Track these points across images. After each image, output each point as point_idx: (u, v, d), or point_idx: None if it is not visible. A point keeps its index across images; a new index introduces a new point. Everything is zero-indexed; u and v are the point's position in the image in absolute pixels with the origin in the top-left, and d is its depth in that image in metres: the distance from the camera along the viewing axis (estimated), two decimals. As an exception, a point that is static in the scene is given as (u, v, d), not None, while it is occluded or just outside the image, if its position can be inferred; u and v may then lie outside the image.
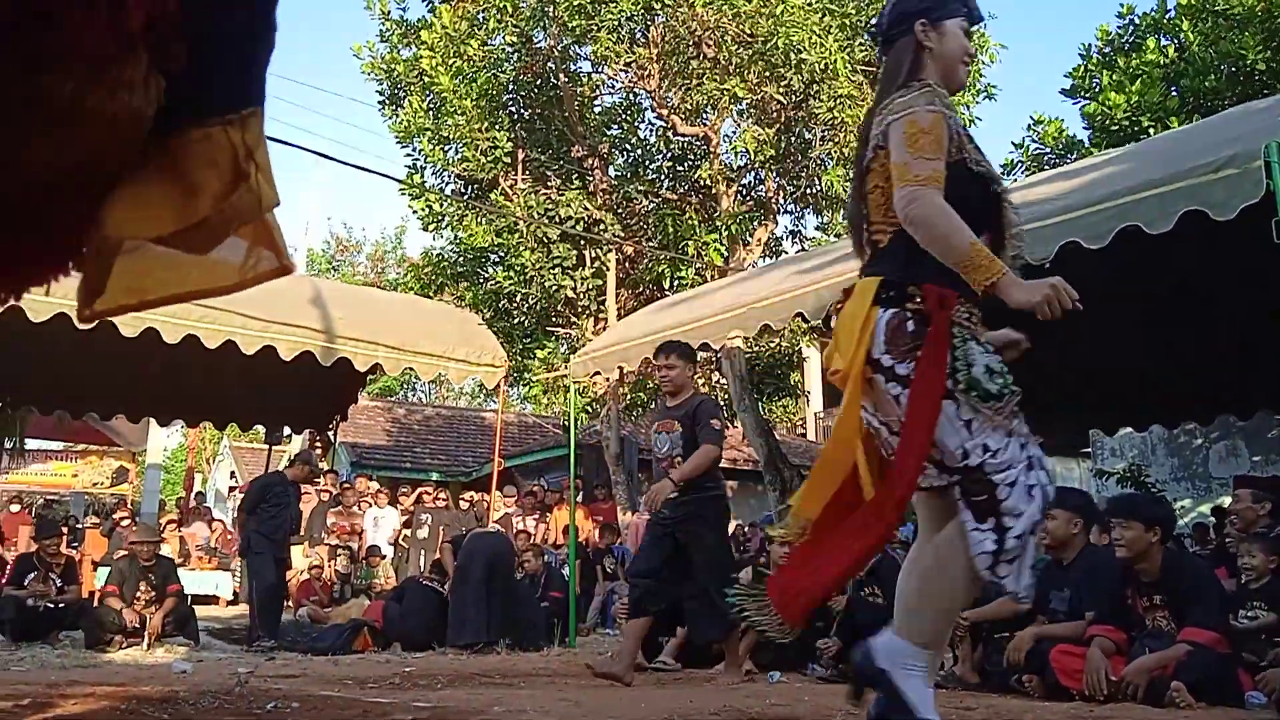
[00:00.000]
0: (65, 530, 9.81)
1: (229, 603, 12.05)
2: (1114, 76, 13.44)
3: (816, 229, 14.82)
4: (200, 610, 9.13)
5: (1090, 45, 14.68)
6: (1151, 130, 12.07)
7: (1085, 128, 14.02)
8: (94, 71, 0.60)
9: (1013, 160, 14.75)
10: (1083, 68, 14.52)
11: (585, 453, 14.58)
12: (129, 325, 7.57)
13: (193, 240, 0.75)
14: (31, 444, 20.42)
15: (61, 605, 7.77)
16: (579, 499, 10.66)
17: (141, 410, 11.91)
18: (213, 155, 0.71)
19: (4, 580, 8.41)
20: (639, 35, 13.50)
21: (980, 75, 13.50)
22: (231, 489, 25.10)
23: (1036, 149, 14.52)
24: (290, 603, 9.80)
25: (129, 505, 15.98)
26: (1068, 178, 5.74)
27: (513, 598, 7.85)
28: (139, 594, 7.56)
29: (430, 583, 8.17)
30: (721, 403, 14.75)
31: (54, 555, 8.06)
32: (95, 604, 7.81)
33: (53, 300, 7.40)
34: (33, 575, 7.82)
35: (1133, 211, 4.51)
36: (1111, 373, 8.51)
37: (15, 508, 14.52)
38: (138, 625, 7.38)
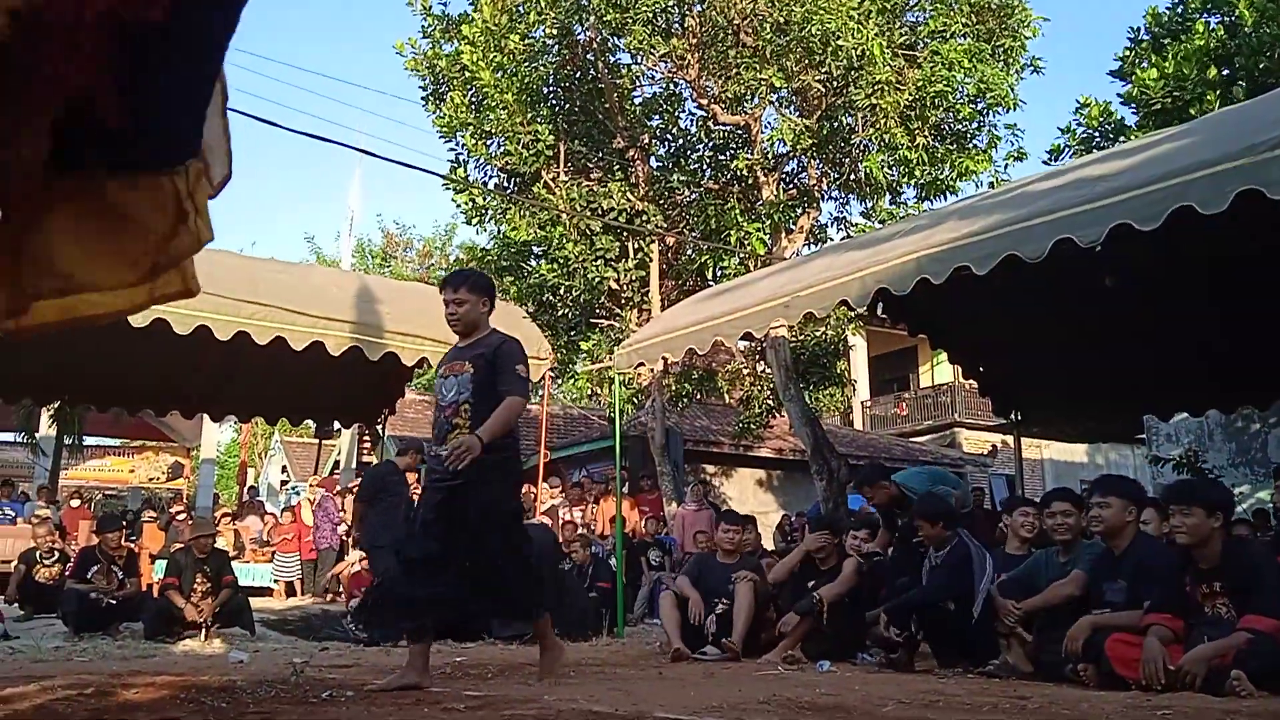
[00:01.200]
0: (126, 524, 10.04)
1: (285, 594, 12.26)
2: (1158, 59, 13.17)
3: (861, 215, 14.67)
4: (255, 602, 9.30)
5: (1140, 28, 14.38)
6: (1194, 111, 11.80)
7: (1131, 110, 13.76)
8: None
9: (1060, 145, 14.50)
10: (1131, 51, 14.23)
11: (631, 444, 14.63)
12: (181, 323, 7.72)
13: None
14: (90, 440, 20.97)
15: (123, 597, 7.95)
16: (625, 490, 10.70)
17: (195, 406, 12.14)
18: (160, 200, 0.78)
19: (68, 574, 8.63)
20: (675, 26, 13.46)
21: (1024, 49, 13.25)
22: (283, 483, 25.52)
23: (1084, 133, 14.26)
24: (343, 594, 9.95)
25: (185, 499, 16.29)
26: (1118, 158, 5.63)
27: (560, 589, 7.91)
28: (195, 586, 7.72)
29: None
30: (767, 392, 14.72)
31: (115, 548, 8.25)
32: (154, 596, 7.99)
33: (108, 300, 7.56)
34: (95, 568, 8.01)
35: (1186, 192, 4.42)
36: (1166, 357, 8.34)
37: (76, 503, 14.88)
38: (195, 617, 7.54)
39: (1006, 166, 13.67)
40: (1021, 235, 5.24)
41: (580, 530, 10.76)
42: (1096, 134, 14.03)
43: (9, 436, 20.32)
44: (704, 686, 4.42)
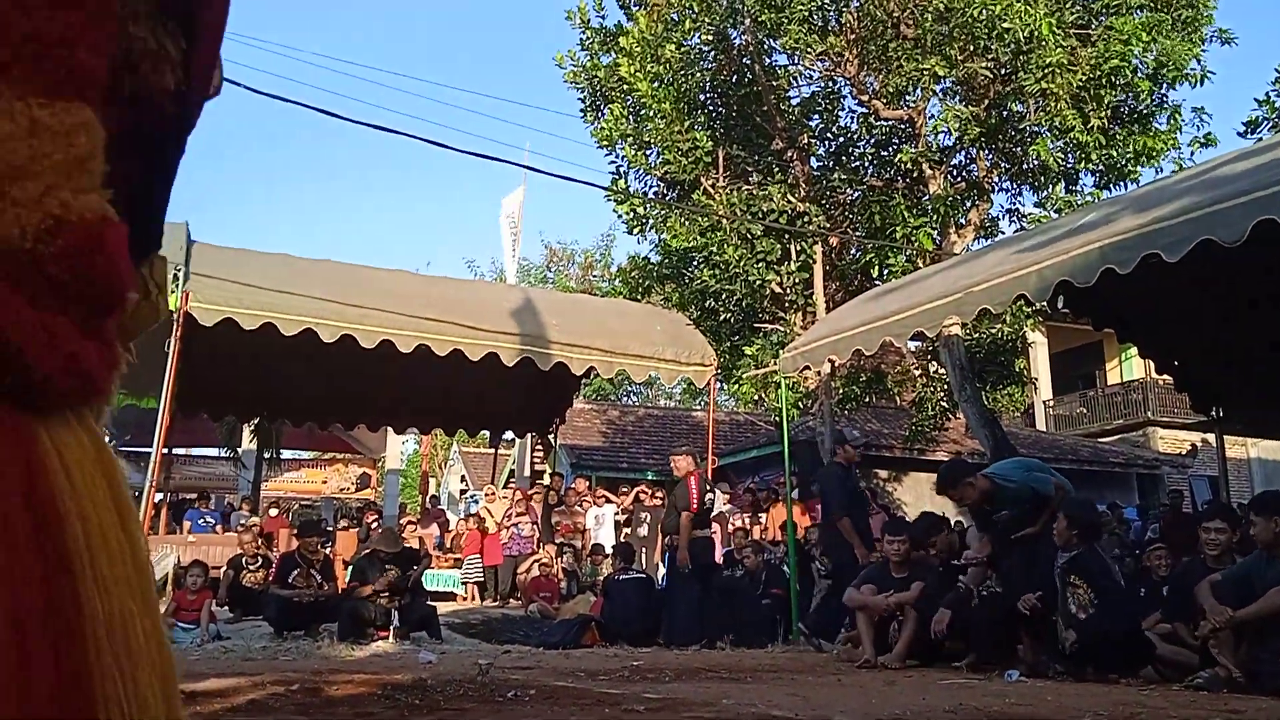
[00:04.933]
0: (330, 530, 10.63)
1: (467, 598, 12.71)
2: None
3: (1035, 206, 14.01)
4: (440, 606, 9.68)
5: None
6: None
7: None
8: None
9: (1256, 118, 13.44)
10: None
11: (799, 449, 14.44)
12: (367, 338, 8.14)
13: None
14: (286, 454, 22.44)
15: (322, 599, 8.43)
16: (794, 496, 10.57)
17: (380, 419, 12.79)
18: (162, 274, 0.90)
19: (271, 578, 9.22)
20: (832, 23, 13.24)
21: (1210, 20, 12.35)
22: (463, 491, 26.44)
23: (1286, 103, 13.18)
24: (522, 599, 10.24)
25: (376, 508, 17.15)
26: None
27: (731, 596, 7.90)
28: (383, 591, 8.10)
29: (626, 575, 8.36)
30: (941, 393, 14.25)
31: (314, 553, 8.76)
32: (348, 599, 8.43)
33: (300, 317, 8.09)
34: (295, 572, 8.52)
35: None
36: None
37: (274, 512, 15.90)
38: (385, 619, 7.92)
39: (1193, 153, 12.79)
40: (1216, 218, 4.88)
41: (750, 538, 10.69)
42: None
43: (215, 451, 21.98)
44: (886, 694, 4.31)
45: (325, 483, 22.57)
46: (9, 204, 0.62)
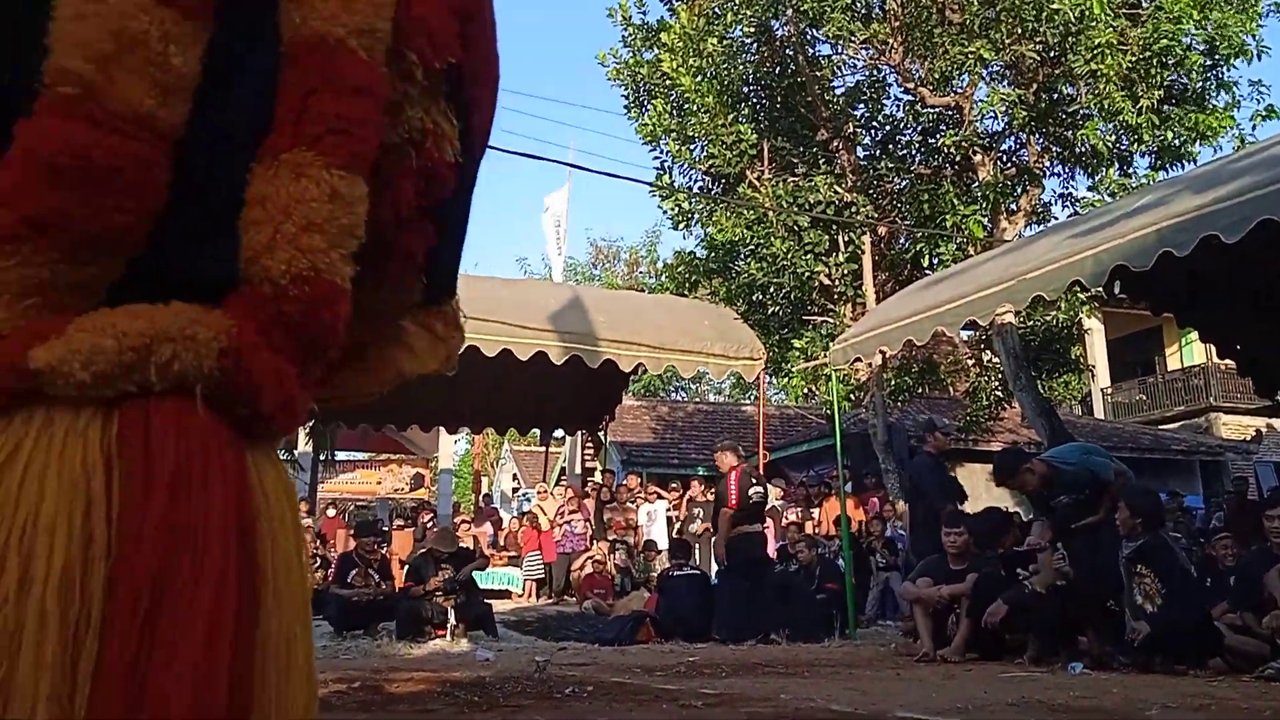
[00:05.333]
0: (385, 530, 10.77)
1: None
2: None
3: (1087, 189, 13.74)
4: (495, 604, 9.76)
5: None
6: None
7: None
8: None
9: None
10: None
11: (851, 442, 14.32)
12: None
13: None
14: (341, 455, 22.76)
15: (380, 599, 8.54)
16: (848, 489, 10.48)
17: (432, 420, 12.91)
18: (454, 317, 1.09)
19: (329, 578, 9.37)
20: (875, 10, 13.10)
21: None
22: (515, 490, 26.64)
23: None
24: (576, 596, 10.29)
25: (430, 507, 17.34)
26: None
27: (785, 591, 7.86)
28: (438, 589, 8.18)
29: (681, 571, 8.35)
30: (995, 382, 14.05)
31: (371, 553, 8.87)
32: (405, 598, 8.53)
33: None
34: (354, 571, 8.64)
35: None
36: None
37: (331, 513, 16.14)
38: (442, 618, 8.00)
39: (1254, 126, 12.45)
40: (1276, 197, 4.75)
41: (804, 532, 10.64)
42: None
43: (273, 454, 22.32)
44: (946, 688, 4.26)
45: (380, 483, 22.84)
46: (293, 249, 0.73)
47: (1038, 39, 11.85)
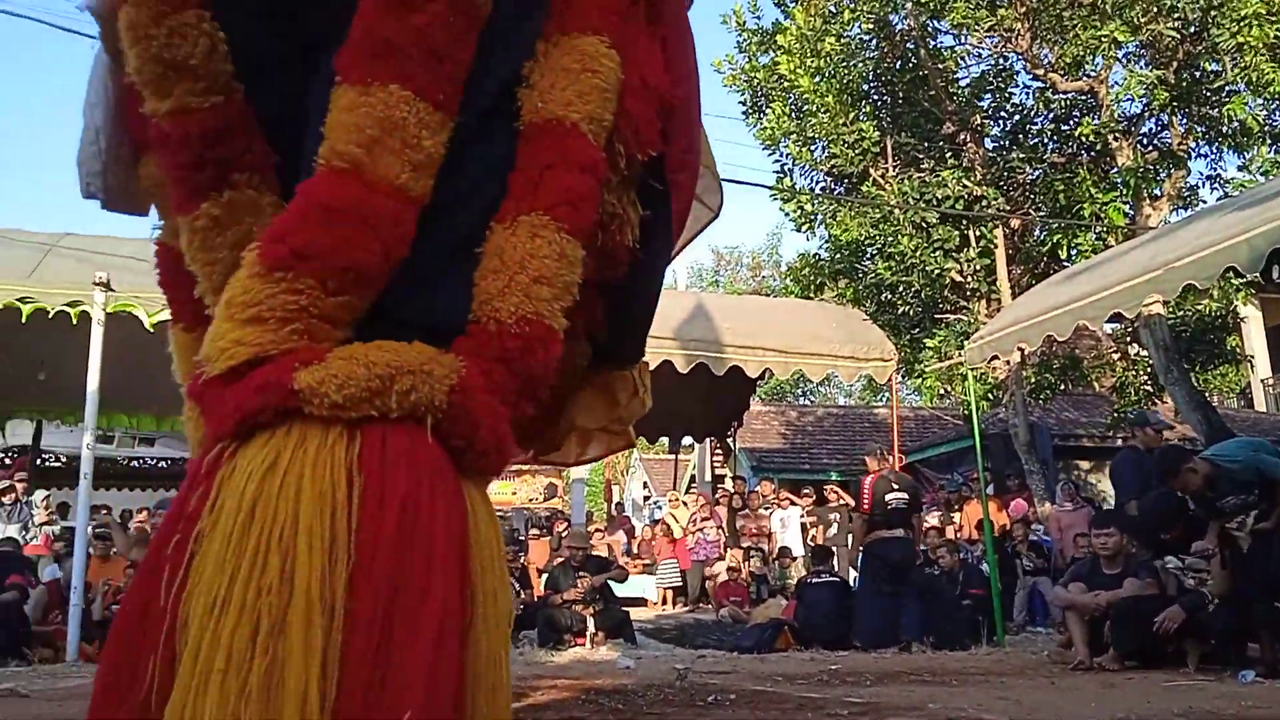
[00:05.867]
0: (517, 542, 11.00)
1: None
2: None
3: (1238, 170, 12.97)
4: (631, 612, 9.81)
5: None
6: None
7: None
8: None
9: None
10: None
11: (991, 442, 13.87)
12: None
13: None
14: (477, 467, 23.35)
15: (520, 607, 8.70)
16: (990, 491, 10.15)
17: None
18: (626, 382, 1.27)
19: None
20: (1000, -2, 12.71)
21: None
22: (645, 498, 26.80)
23: None
24: (712, 603, 10.26)
25: (564, 516, 17.61)
26: None
27: (928, 597, 7.66)
28: (575, 597, 8.29)
29: (819, 578, 8.24)
30: (1144, 377, 13.40)
31: (511, 562, 9.07)
32: (544, 606, 8.67)
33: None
34: (494, 582, 8.84)
35: None
36: None
37: (471, 524, 16.55)
38: (581, 625, 8.11)
39: None
40: None
41: (945, 536, 10.35)
42: None
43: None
44: (1106, 697, 4.08)
45: (514, 493, 23.32)
46: (522, 295, 0.85)
47: (1175, 16, 11.27)
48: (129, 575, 7.63)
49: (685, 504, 13.60)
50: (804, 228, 14.87)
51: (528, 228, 0.87)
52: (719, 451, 17.88)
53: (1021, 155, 13.70)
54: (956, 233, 13.04)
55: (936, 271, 12.92)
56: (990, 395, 13.88)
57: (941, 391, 15.02)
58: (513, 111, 0.90)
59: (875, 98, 14.27)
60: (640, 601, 12.41)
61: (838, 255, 14.85)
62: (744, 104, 14.99)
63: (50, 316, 7.52)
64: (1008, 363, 11.42)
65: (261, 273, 0.78)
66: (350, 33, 0.85)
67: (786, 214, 14.95)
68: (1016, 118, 14.30)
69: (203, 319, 0.95)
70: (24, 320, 7.52)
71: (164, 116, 0.90)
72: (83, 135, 1.20)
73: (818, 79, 13.44)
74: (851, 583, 8.85)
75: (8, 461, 13.20)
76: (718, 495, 13.80)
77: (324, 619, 0.66)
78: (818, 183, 14.95)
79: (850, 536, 10.18)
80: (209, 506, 0.73)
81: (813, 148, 14.20)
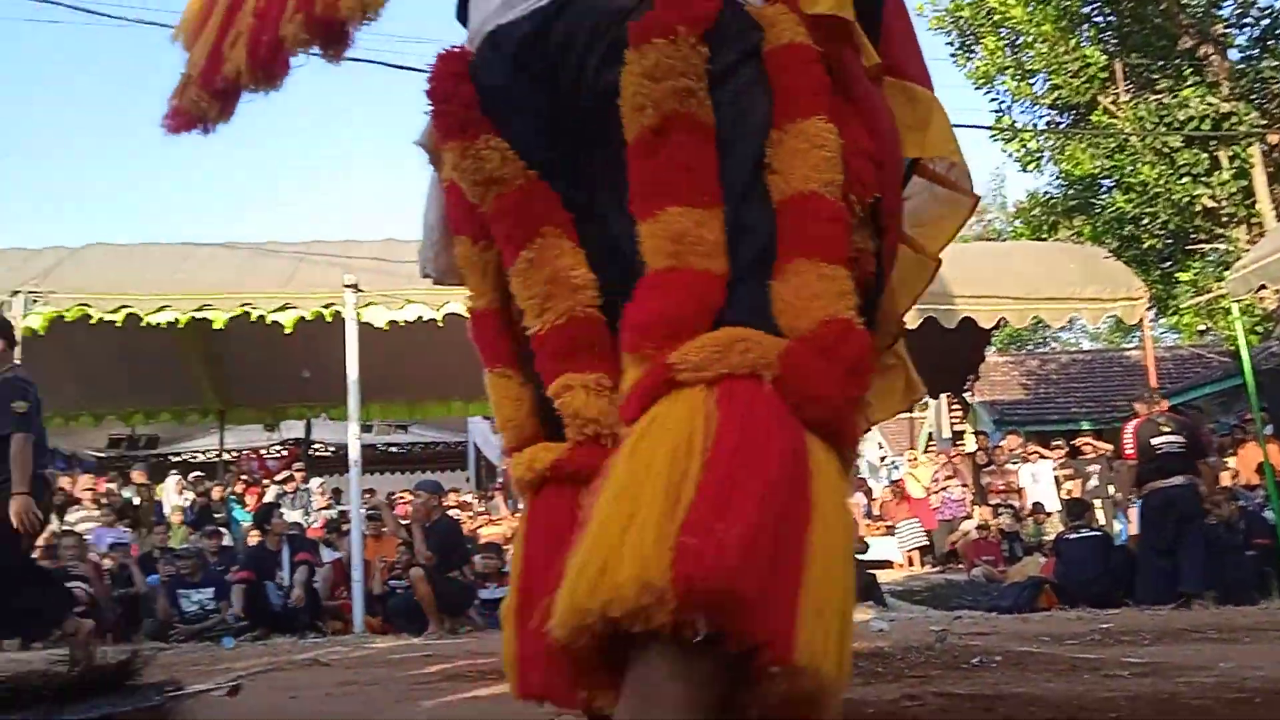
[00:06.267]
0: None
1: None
2: None
3: None
4: (878, 574, 9.70)
5: None
6: None
7: None
8: None
9: None
10: None
11: (1265, 379, 12.69)
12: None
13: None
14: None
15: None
16: (1268, 432, 9.31)
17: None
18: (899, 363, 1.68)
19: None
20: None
21: None
22: (882, 459, 26.34)
23: None
24: (964, 563, 10.01)
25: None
26: None
27: (1210, 550, 7.15)
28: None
29: (1078, 533, 7.83)
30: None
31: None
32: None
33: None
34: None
35: None
36: None
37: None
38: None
39: None
40: None
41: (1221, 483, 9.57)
42: None
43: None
44: None
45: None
46: (806, 310, 1.09)
47: None
48: (400, 552, 8.30)
49: (925, 463, 13.27)
50: (1030, 166, 14.14)
51: (794, 272, 1.10)
52: (956, 406, 17.29)
53: (1274, 63, 12.42)
54: (1205, 155, 12.02)
55: (1185, 199, 11.98)
56: (1259, 329, 12.72)
57: (1201, 328, 13.87)
58: (765, 191, 1.15)
59: (1098, 19, 13.35)
60: (886, 564, 12.25)
61: (1070, 191, 14.04)
62: (952, 45, 14.38)
63: (308, 320, 8.15)
64: (1278, 291, 10.41)
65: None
66: (630, 183, 1.17)
67: (1009, 153, 14.27)
68: (1266, 22, 12.95)
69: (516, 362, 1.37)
70: (288, 331, 8.17)
71: (487, 206, 1.31)
72: (424, 230, 1.64)
73: (1031, 6, 12.71)
74: (1114, 537, 8.38)
75: (284, 453, 14.65)
76: (955, 452, 13.37)
77: (674, 480, 0.94)
78: (1041, 117, 14.18)
79: (1111, 488, 9.62)
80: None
81: (1032, 81, 13.48)
